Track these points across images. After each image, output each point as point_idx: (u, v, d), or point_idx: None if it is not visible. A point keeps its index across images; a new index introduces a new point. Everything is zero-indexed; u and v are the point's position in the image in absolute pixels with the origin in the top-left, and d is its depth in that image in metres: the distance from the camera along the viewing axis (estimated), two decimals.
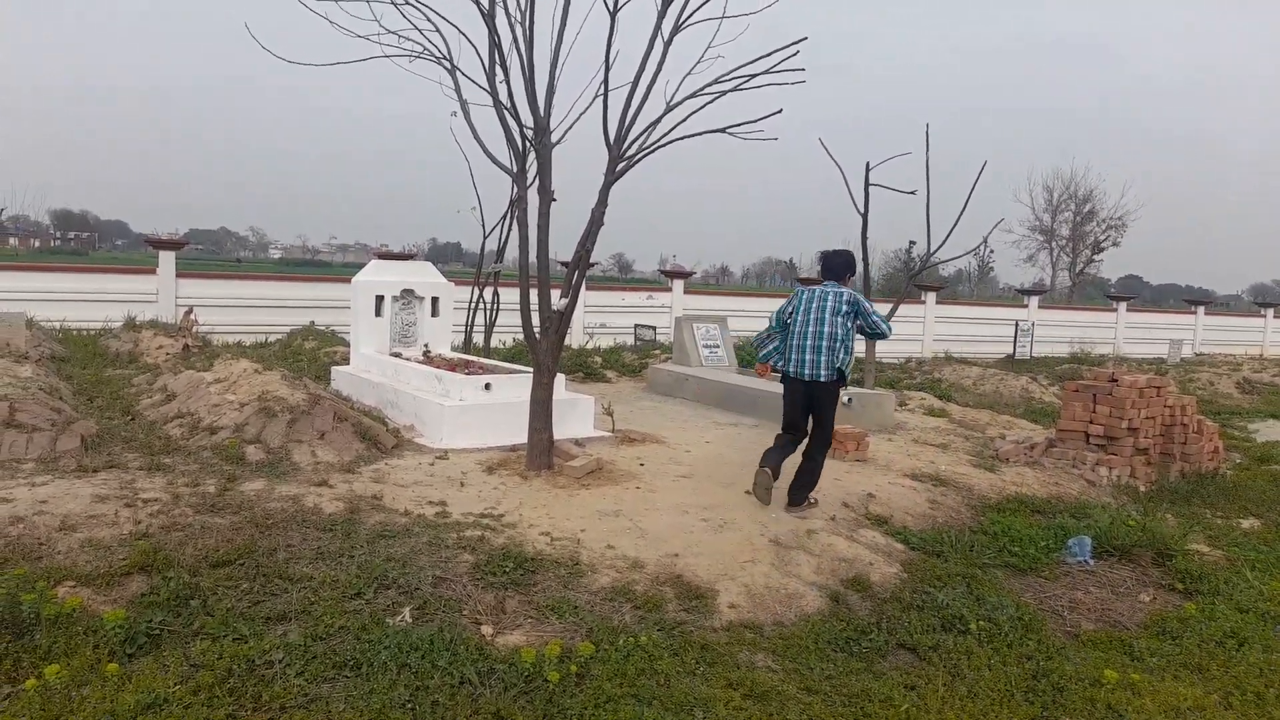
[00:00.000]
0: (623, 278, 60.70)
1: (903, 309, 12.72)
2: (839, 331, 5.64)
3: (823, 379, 5.64)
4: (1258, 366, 19.40)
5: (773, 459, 5.73)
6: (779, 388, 9.33)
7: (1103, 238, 44.15)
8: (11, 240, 62.94)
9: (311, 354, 10.72)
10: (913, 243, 34.43)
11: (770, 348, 6.00)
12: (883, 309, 11.67)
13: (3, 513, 4.47)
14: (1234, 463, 9.09)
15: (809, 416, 5.84)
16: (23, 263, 19.60)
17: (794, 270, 41.99)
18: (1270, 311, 25.67)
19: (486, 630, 3.91)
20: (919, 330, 19.35)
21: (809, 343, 5.66)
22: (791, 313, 5.81)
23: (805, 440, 5.87)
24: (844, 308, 5.68)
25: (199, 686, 3.24)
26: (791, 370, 5.77)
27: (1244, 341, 24.08)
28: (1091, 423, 7.97)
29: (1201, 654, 4.39)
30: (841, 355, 5.66)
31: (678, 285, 17.41)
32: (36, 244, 66.99)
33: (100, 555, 4.14)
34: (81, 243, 72.33)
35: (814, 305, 5.71)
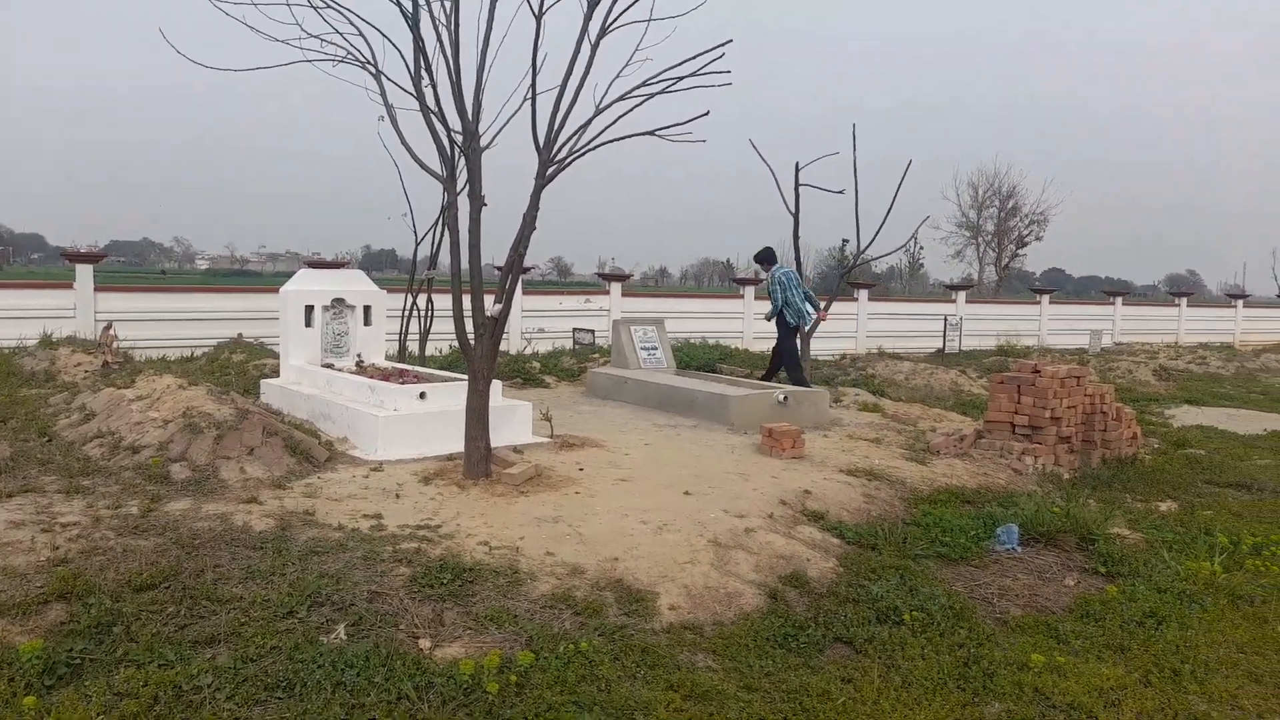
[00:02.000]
0: (562, 281, 60.52)
1: (836, 306, 12.96)
2: None
3: None
4: (1173, 354, 20.23)
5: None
6: (717, 388, 9.50)
7: (1026, 233, 45.55)
8: None
9: (240, 367, 10.45)
10: (845, 241, 35.11)
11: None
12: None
13: None
14: (1152, 448, 9.46)
15: None
16: None
17: (731, 270, 42.34)
18: (1184, 301, 26.79)
19: (424, 644, 3.87)
20: (852, 327, 19.71)
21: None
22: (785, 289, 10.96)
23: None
24: None
25: (123, 716, 3.14)
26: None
27: (1160, 330, 25.08)
28: (1016, 413, 8.22)
29: (1123, 634, 4.56)
30: None
31: (615, 288, 17.42)
32: None
33: (15, 584, 3.98)
34: None
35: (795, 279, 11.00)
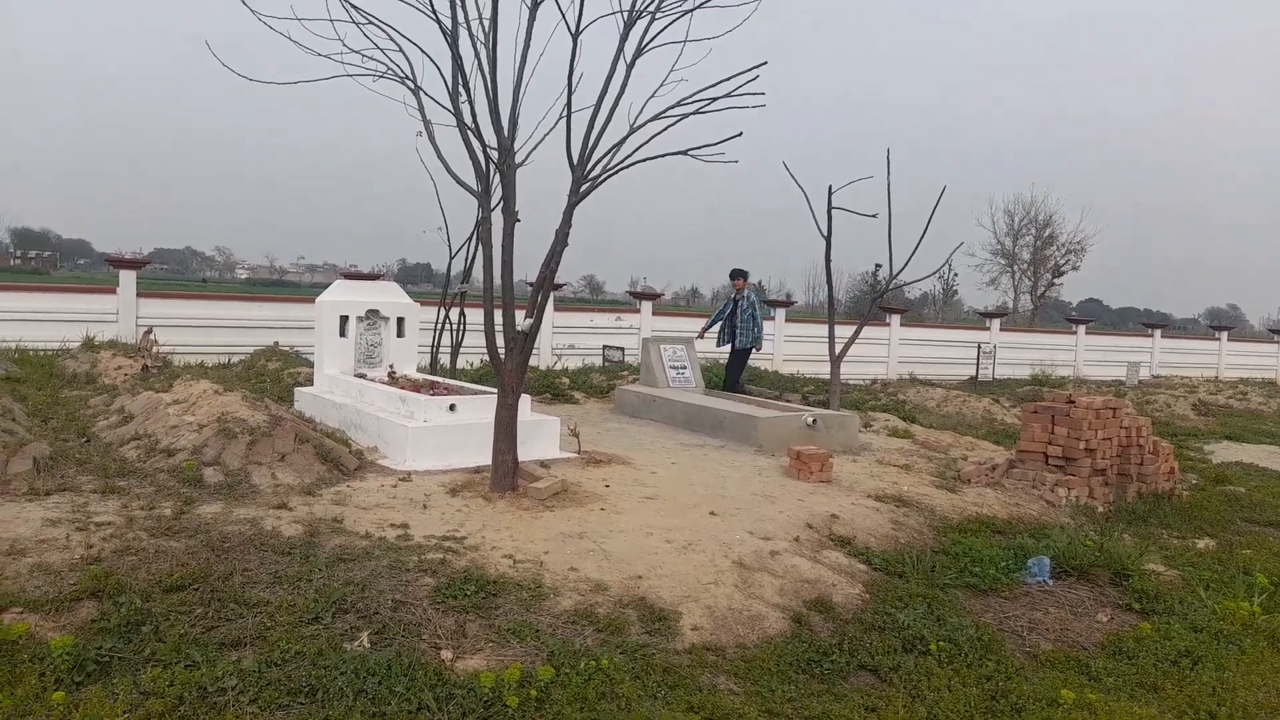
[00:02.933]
0: (593, 299, 60.78)
1: (867, 331, 12.88)
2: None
3: None
4: (1213, 389, 19.83)
5: None
6: (745, 409, 9.49)
7: (1062, 262, 44.99)
8: None
9: (275, 375, 10.59)
10: (878, 265, 34.90)
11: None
12: (847, 331, 11.91)
13: None
14: (1190, 483, 9.26)
15: None
16: None
17: (763, 292, 42.29)
18: (1225, 335, 26.29)
19: (446, 655, 3.87)
20: (884, 352, 19.56)
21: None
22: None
23: None
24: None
25: (148, 715, 3.17)
26: None
27: (1200, 364, 24.62)
28: (1050, 444, 8.10)
29: (1157, 673, 4.46)
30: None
31: (646, 306, 17.46)
32: None
33: (50, 581, 4.05)
34: (42, 262, 71.06)
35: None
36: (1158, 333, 24.93)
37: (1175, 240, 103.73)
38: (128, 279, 12.96)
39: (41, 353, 11.17)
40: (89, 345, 11.23)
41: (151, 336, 11.44)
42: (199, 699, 3.30)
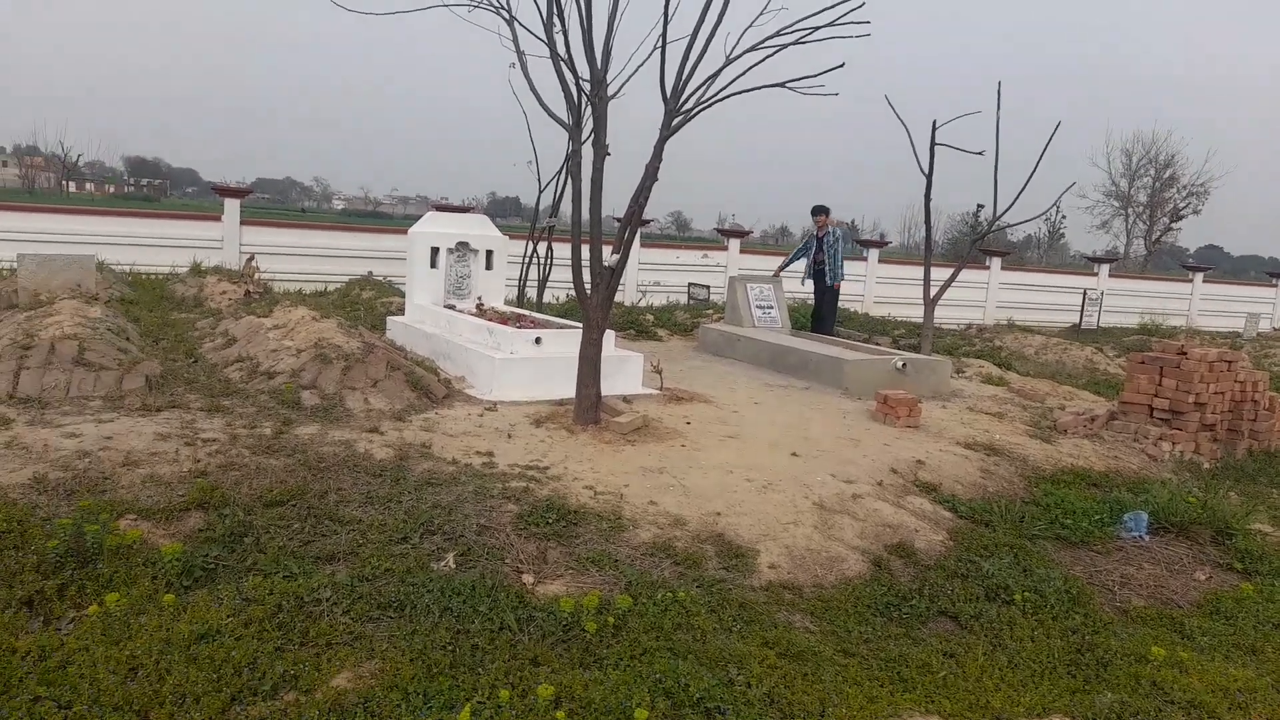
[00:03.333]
0: (680, 236, 60.28)
1: (965, 274, 12.42)
2: None
3: None
4: None
5: None
6: (832, 351, 9.34)
7: (1183, 205, 42.38)
8: (87, 186, 64.96)
9: (368, 303, 10.90)
10: (980, 206, 33.52)
11: None
12: (943, 273, 11.51)
13: (70, 447, 4.67)
14: None
15: None
16: (96, 207, 20.22)
17: (856, 231, 41.20)
18: None
19: (527, 579, 3.98)
20: (981, 296, 18.89)
21: None
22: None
23: None
24: None
25: (250, 620, 3.36)
26: None
27: None
28: (1156, 396, 7.72)
29: (1256, 635, 4.27)
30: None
31: (734, 244, 17.23)
32: (110, 190, 69.05)
33: (161, 491, 4.30)
34: (153, 189, 74.32)
35: None
36: None
37: None
38: (232, 207, 13.44)
39: (152, 276, 11.74)
40: (196, 270, 11.74)
41: (254, 264, 11.88)
42: (296, 607, 3.48)
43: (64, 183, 54.11)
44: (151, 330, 8.07)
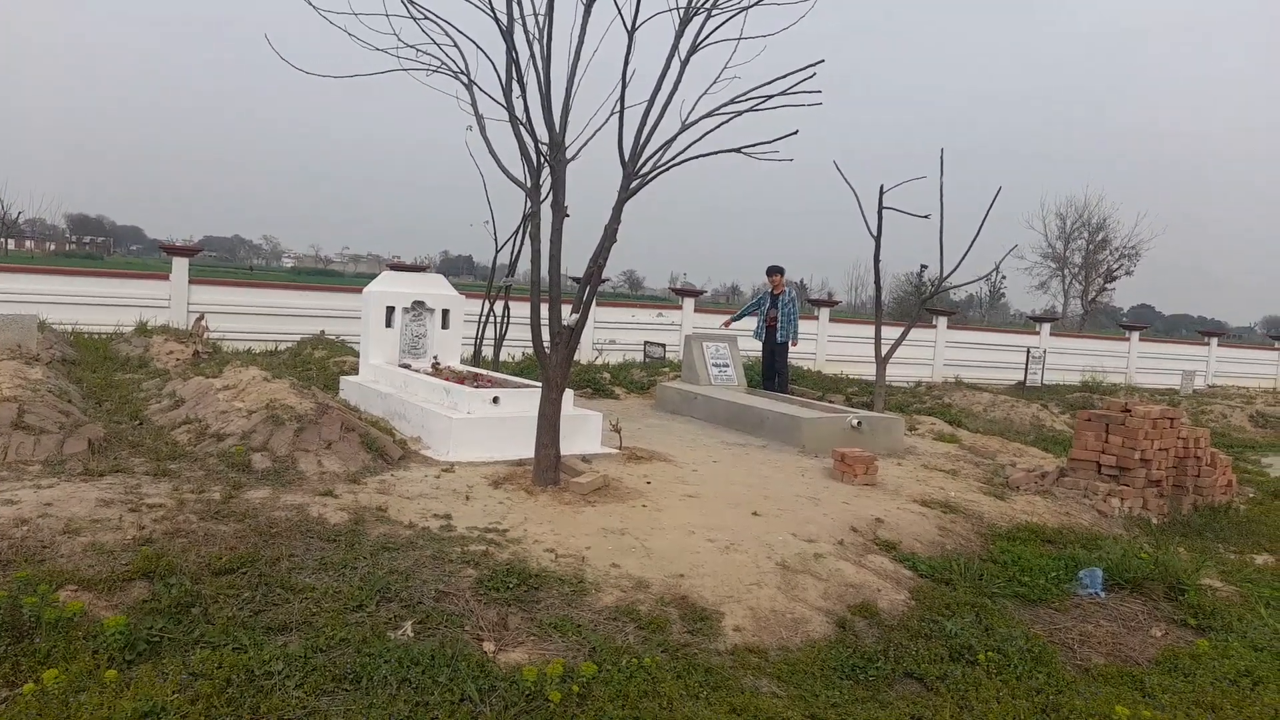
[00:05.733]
0: (634, 294, 60.79)
1: (914, 333, 12.68)
2: None
3: None
4: (1271, 400, 19.23)
5: None
6: (789, 409, 9.41)
7: (1115, 266, 44.04)
8: (27, 243, 63.50)
9: (321, 363, 10.73)
10: (924, 266, 34.36)
11: None
12: (893, 332, 11.74)
13: (7, 514, 4.46)
14: (1247, 497, 8.98)
15: None
16: (37, 265, 19.73)
17: (805, 290, 41.95)
18: None
19: (488, 647, 3.87)
20: (929, 354, 19.29)
21: None
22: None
23: None
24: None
25: (197, 696, 3.21)
26: None
27: (1257, 374, 23.90)
28: (1104, 453, 7.90)
29: (1215, 692, 4.31)
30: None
31: (688, 303, 17.40)
32: (52, 247, 67.57)
33: (103, 560, 4.12)
34: (97, 247, 72.95)
35: None
36: (1214, 341, 24.24)
37: (1229, 248, 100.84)
38: (180, 266, 13.21)
39: (96, 336, 11.45)
40: (142, 330, 11.48)
41: (203, 323, 11.67)
42: (246, 681, 3.33)
43: (3, 240, 52.80)
44: (95, 392, 7.83)
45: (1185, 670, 4.55)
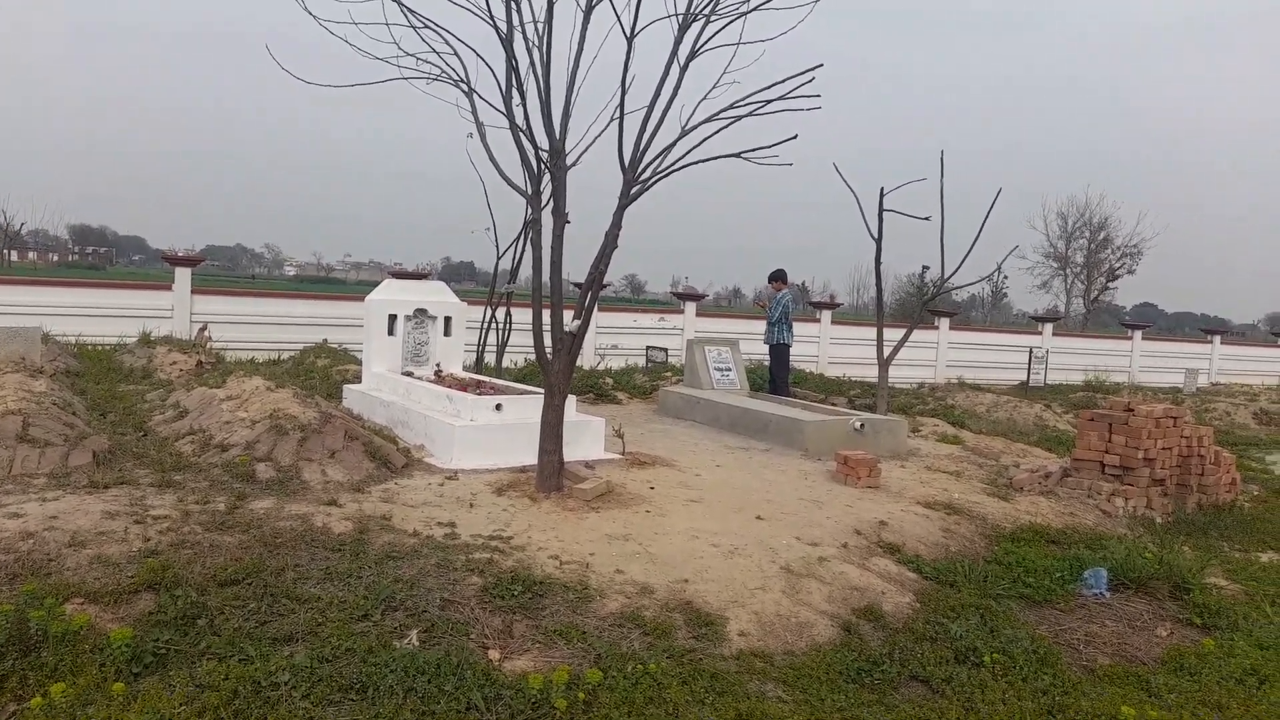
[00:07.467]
0: (635, 299, 60.81)
1: (916, 334, 12.68)
2: None
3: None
4: (1275, 397, 19.20)
5: None
6: (792, 412, 9.41)
7: (1117, 265, 44.03)
8: (30, 254, 63.66)
9: (324, 372, 10.75)
10: (926, 267, 34.37)
11: None
12: (895, 333, 11.74)
13: (13, 528, 4.48)
14: (1251, 494, 8.97)
15: None
16: (40, 277, 19.80)
17: (806, 293, 41.95)
18: None
19: (494, 654, 3.88)
20: (931, 356, 19.27)
21: None
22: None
23: None
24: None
25: (204, 708, 3.22)
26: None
27: (1261, 372, 23.86)
28: (1107, 452, 7.89)
29: (1221, 691, 4.31)
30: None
31: (690, 307, 17.40)
32: (54, 258, 67.75)
33: (109, 572, 4.13)
34: (99, 258, 73.11)
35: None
36: (1217, 339, 24.22)
37: (1234, 244, 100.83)
38: (183, 276, 13.25)
39: (100, 347, 11.47)
40: (145, 341, 11.50)
41: (206, 333, 11.69)
42: (253, 693, 3.34)
43: (5, 251, 52.93)
44: (99, 403, 7.85)
45: (1191, 669, 4.55)
